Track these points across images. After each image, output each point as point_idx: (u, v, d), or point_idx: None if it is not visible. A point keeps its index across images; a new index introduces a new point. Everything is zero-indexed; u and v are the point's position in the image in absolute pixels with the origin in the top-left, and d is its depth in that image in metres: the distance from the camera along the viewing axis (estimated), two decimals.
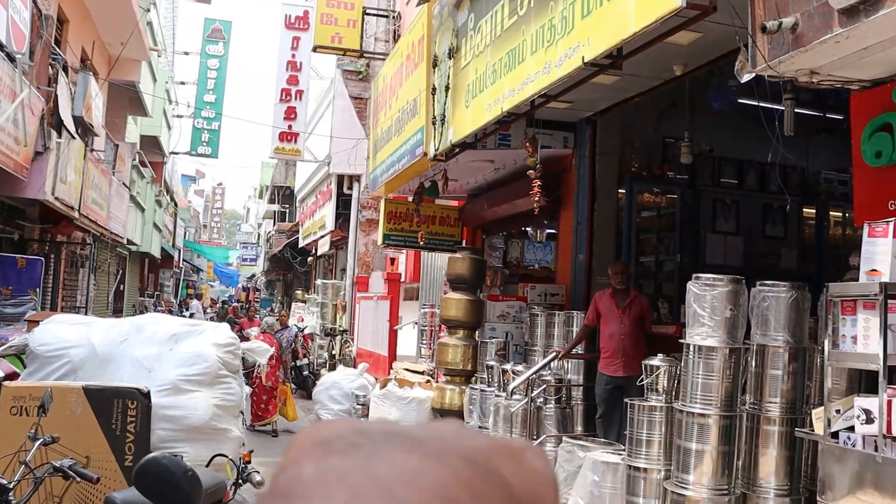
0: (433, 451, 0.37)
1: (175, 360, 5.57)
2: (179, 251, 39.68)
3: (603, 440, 6.92)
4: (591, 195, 9.07)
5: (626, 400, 6.02)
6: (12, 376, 7.04)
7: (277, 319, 14.53)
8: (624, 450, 6.02)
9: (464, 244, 11.64)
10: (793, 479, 5.08)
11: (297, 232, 27.87)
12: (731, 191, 10.51)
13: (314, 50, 15.89)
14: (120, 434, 5.08)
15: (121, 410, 5.08)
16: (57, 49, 12.04)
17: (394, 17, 15.95)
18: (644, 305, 7.68)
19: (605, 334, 7.60)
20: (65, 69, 11.99)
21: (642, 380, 5.84)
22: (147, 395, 5.14)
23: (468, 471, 0.36)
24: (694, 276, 5.33)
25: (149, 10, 18.27)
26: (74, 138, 11.94)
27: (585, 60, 5.41)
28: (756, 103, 6.01)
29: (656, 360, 5.81)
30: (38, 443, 4.20)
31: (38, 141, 10.09)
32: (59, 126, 11.14)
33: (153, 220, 25.77)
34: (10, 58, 8.58)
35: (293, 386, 14.18)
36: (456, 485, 0.35)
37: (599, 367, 7.69)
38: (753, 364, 5.21)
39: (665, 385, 5.71)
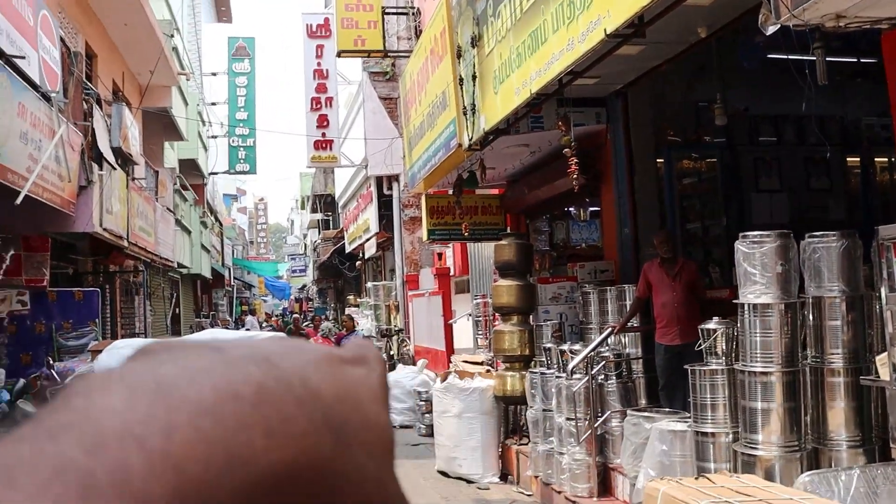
0: (230, 356, 0.36)
1: None
2: (229, 270, 40.15)
3: (668, 410, 6.90)
4: (630, 168, 9.03)
5: (686, 367, 5.99)
6: None
7: (335, 325, 14.66)
8: (689, 417, 6.00)
9: (508, 231, 11.63)
10: (864, 429, 5.02)
11: (343, 238, 28.04)
12: (770, 148, 10.39)
13: (338, 55, 15.98)
14: None
15: None
16: (89, 84, 12.26)
17: (413, 14, 15.98)
18: (693, 271, 7.64)
19: (658, 304, 7.58)
20: (98, 102, 12.20)
21: (700, 345, 5.82)
22: None
23: (261, 373, 0.35)
24: (741, 234, 5.29)
25: (172, 36, 18.51)
26: (115, 169, 12.15)
27: (608, 32, 5.38)
28: (786, 56, 5.94)
29: (712, 324, 5.78)
30: None
31: (81, 175, 10.29)
32: (99, 159, 11.34)
33: (200, 242, 26.10)
34: (46, 97, 8.76)
35: None
36: (243, 384, 0.34)
37: (656, 337, 7.67)
38: (811, 317, 5.16)
39: (724, 348, 5.68)
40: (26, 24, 8.36)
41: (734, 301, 5.43)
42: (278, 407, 0.34)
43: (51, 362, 9.13)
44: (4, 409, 7.97)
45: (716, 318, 5.82)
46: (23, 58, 8.04)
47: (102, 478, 0.30)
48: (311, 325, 21.56)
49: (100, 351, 7.78)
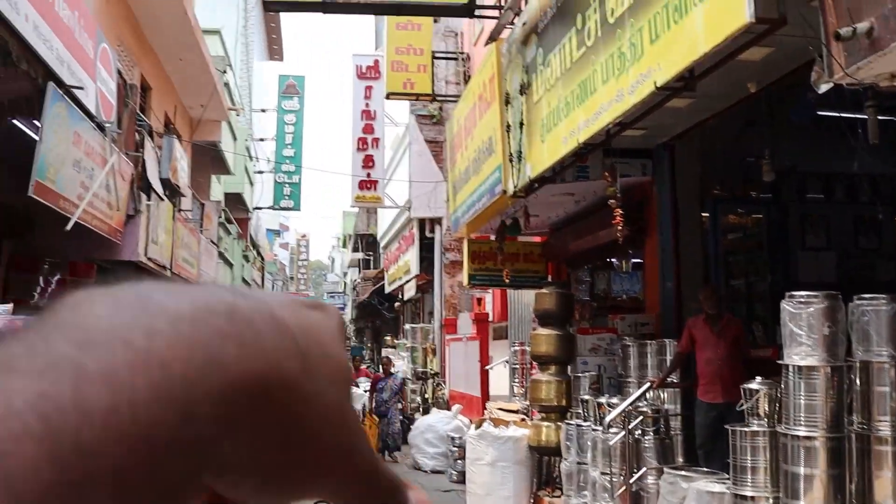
0: (205, 287, 0.38)
1: None
2: None
3: (706, 469, 6.74)
4: (675, 221, 8.95)
5: (726, 426, 5.86)
6: None
7: (372, 365, 14.73)
8: (728, 478, 5.85)
9: (549, 279, 11.57)
10: None
11: (383, 278, 28.11)
12: (818, 205, 10.25)
13: (387, 97, 16.15)
14: None
15: None
16: (142, 115, 12.48)
17: (463, 59, 16.13)
18: (738, 329, 7.52)
19: (702, 360, 7.45)
20: (150, 134, 12.41)
21: (741, 405, 5.69)
22: None
23: (233, 298, 0.37)
24: (787, 294, 5.19)
25: (225, 72, 18.83)
26: (163, 200, 12.31)
27: (658, 85, 5.37)
28: (837, 114, 5.87)
29: (755, 384, 5.65)
30: None
31: (130, 205, 10.43)
32: (147, 189, 11.50)
33: (242, 275, 26.30)
34: (100, 127, 8.92)
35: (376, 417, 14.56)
36: (218, 302, 0.36)
37: (698, 394, 7.53)
38: (858, 382, 5.03)
39: (766, 409, 5.55)
40: (86, 56, 8.54)
41: (778, 361, 5.31)
42: (250, 324, 0.36)
43: None
44: None
45: (759, 378, 5.69)
46: (81, 88, 8.20)
47: (92, 368, 0.32)
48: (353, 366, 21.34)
49: None
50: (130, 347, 0.33)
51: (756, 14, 4.18)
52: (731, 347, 7.33)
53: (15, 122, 8.03)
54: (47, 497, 0.30)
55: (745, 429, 5.61)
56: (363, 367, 20.11)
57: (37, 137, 7.21)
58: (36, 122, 7.38)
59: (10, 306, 7.02)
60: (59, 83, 7.51)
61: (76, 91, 8.08)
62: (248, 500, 0.38)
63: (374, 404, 14.84)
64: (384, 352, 23.53)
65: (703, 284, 8.33)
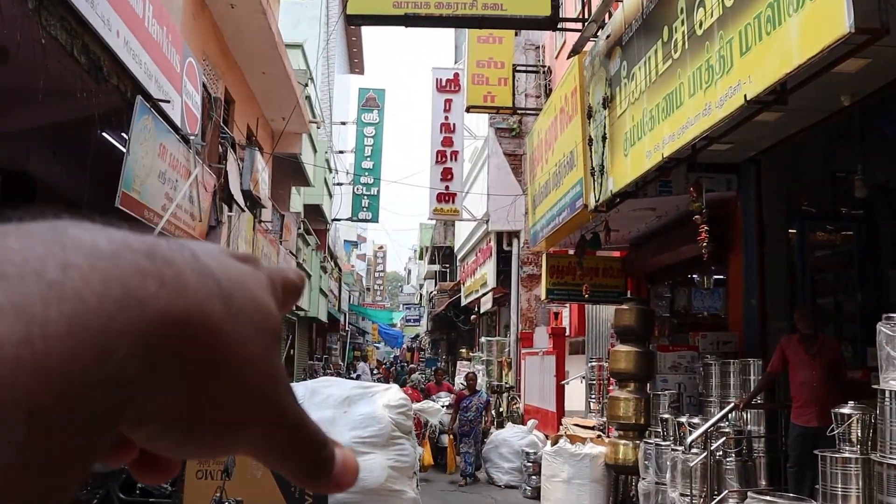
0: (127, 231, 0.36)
1: (349, 423, 5.66)
2: (345, 315, 40.72)
3: (792, 495, 6.52)
4: (760, 237, 8.73)
5: (815, 452, 5.66)
6: None
7: (428, 378, 14.56)
8: None
9: (628, 295, 11.40)
10: None
11: (459, 291, 28.09)
12: None
13: (468, 110, 16.16)
14: (298, 497, 5.17)
15: None
16: (225, 128, 12.70)
17: (544, 72, 16.04)
18: (835, 350, 7.21)
19: (796, 382, 7.18)
20: (233, 146, 12.62)
21: (832, 429, 5.49)
22: None
23: (154, 239, 0.36)
24: (884, 316, 4.99)
25: (306, 86, 19.08)
26: (244, 211, 12.50)
27: (748, 98, 5.23)
28: None
29: (847, 408, 5.45)
30: None
31: (212, 216, 10.61)
32: (229, 200, 11.69)
33: (319, 286, 26.57)
34: (185, 139, 9.09)
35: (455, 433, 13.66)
36: (137, 241, 0.35)
37: (791, 417, 7.26)
38: None
39: (859, 435, 5.34)
40: (173, 70, 8.72)
41: (874, 386, 5.11)
42: (171, 264, 0.35)
43: None
44: None
45: (851, 403, 5.49)
46: (167, 102, 8.38)
47: (2, 299, 0.30)
48: (434, 379, 19.55)
49: None
50: (43, 279, 0.31)
51: (856, 24, 4.03)
52: (826, 369, 7.05)
53: (104, 134, 8.23)
54: None
55: (837, 455, 5.41)
56: (446, 381, 19.15)
57: (124, 150, 7.37)
58: (123, 135, 7.55)
59: None
60: (147, 97, 7.68)
61: (163, 104, 8.26)
62: (170, 452, 0.38)
63: (456, 424, 13.56)
64: (458, 364, 23.48)
65: (798, 304, 8.07)
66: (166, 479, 0.42)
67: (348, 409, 5.70)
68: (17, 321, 0.30)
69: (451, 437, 13.49)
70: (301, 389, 6.14)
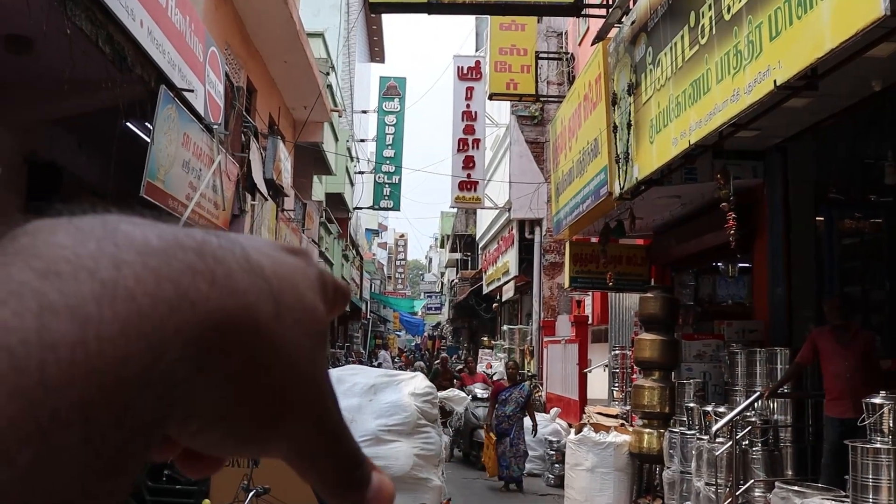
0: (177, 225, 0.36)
1: (375, 411, 5.67)
2: (366, 303, 40.81)
3: (821, 486, 6.45)
4: (787, 225, 8.64)
5: (846, 442, 5.59)
6: None
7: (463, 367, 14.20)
8: (846, 496, 5.59)
9: (653, 283, 11.34)
10: None
11: (481, 279, 28.09)
12: None
13: (490, 98, 16.11)
14: None
15: None
16: (248, 117, 12.71)
17: (567, 59, 15.95)
18: (869, 341, 7.07)
19: (830, 374, 7.07)
20: (255, 135, 12.62)
21: (863, 420, 5.42)
22: None
23: (205, 235, 0.36)
24: None
25: (328, 74, 19.07)
26: (267, 200, 12.51)
27: (778, 84, 5.16)
28: None
29: (878, 398, 5.38)
30: (251, 494, 4.34)
31: (235, 204, 10.62)
32: (252, 189, 11.71)
33: (341, 274, 26.62)
34: (208, 129, 9.10)
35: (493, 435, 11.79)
36: (188, 237, 0.35)
37: (826, 409, 7.16)
38: None
39: (891, 425, 5.28)
40: (196, 60, 8.73)
41: None
42: (222, 263, 0.35)
43: None
44: None
45: (883, 393, 5.42)
46: (191, 91, 8.38)
47: (56, 299, 0.30)
48: (466, 369, 18.02)
49: None
50: (96, 278, 0.31)
51: (892, 6, 3.95)
52: (861, 360, 6.92)
53: (128, 124, 8.25)
54: (11, 433, 0.28)
55: (867, 445, 5.35)
56: (479, 371, 17.70)
57: (148, 139, 7.39)
58: (147, 125, 7.56)
59: None
60: (171, 86, 7.69)
61: (186, 94, 8.26)
62: (210, 449, 0.37)
63: (493, 420, 11.82)
64: (480, 352, 23.47)
65: (823, 294, 7.97)
66: (212, 472, 0.42)
67: (374, 397, 5.71)
68: (71, 322, 0.29)
69: (488, 433, 11.83)
70: None
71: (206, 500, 4.79)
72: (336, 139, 22.96)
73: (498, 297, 26.07)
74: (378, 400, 5.68)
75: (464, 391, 14.32)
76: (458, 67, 21.22)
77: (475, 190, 20.62)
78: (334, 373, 6.45)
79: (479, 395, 13.41)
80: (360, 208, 32.06)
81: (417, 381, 6.01)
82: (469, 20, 31.38)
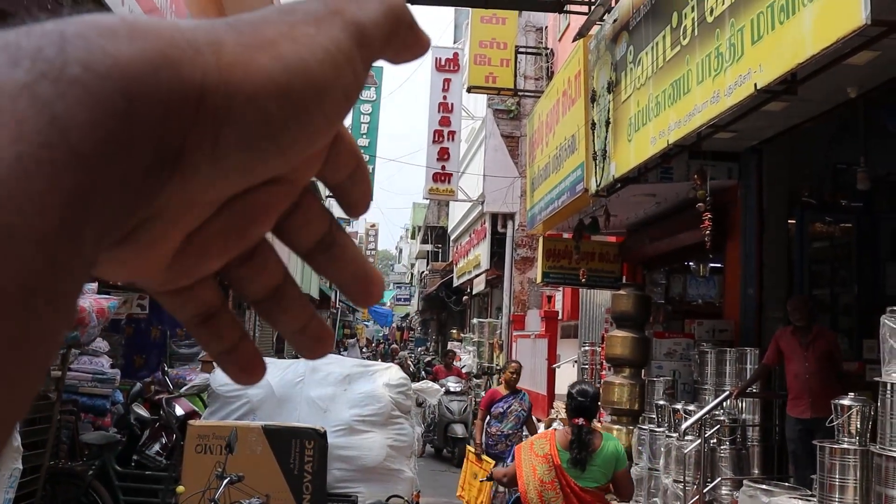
0: None
1: (349, 401, 5.67)
2: (336, 292, 40.65)
3: (787, 484, 6.55)
4: (759, 227, 8.73)
5: (814, 442, 5.68)
6: (192, 415, 7.34)
7: (419, 357, 14.09)
8: (812, 495, 5.68)
9: (624, 280, 11.41)
10: None
11: (451, 271, 28.11)
12: None
13: (468, 90, 16.11)
14: (298, 474, 5.17)
15: (298, 450, 5.18)
16: None
17: (546, 55, 15.98)
18: (830, 341, 7.20)
19: (790, 374, 7.20)
20: None
21: (831, 421, 5.50)
22: (324, 436, 5.24)
23: None
24: (889, 309, 4.98)
25: None
26: None
27: (758, 87, 5.21)
28: None
29: (847, 400, 5.46)
30: (225, 481, 4.32)
31: None
32: None
33: None
34: None
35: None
36: None
37: (787, 408, 7.30)
38: None
39: (858, 426, 5.36)
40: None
41: (875, 378, 5.12)
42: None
43: (165, 368, 9.31)
44: (120, 411, 8.16)
45: (851, 394, 5.50)
46: None
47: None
48: (443, 362, 17.53)
49: (210, 362, 7.92)
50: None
51: (872, 16, 4.00)
52: (820, 361, 7.05)
53: None
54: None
55: (834, 446, 5.43)
56: (456, 365, 16.99)
57: None
58: None
59: (94, 285, 7.13)
60: None
61: None
62: (240, 174, 0.35)
63: (483, 436, 9.24)
64: (449, 345, 23.48)
65: (794, 295, 8.07)
66: (273, 281, 0.42)
67: (348, 386, 5.71)
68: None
69: (477, 458, 8.81)
70: (302, 366, 6.14)
71: (180, 487, 4.78)
72: None
73: (468, 290, 26.11)
74: (352, 390, 5.68)
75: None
76: (436, 59, 21.19)
77: (449, 182, 20.62)
78: (310, 361, 6.45)
79: (452, 389, 13.26)
80: (332, 196, 31.88)
81: (392, 372, 6.02)
82: (448, 12, 31.35)
